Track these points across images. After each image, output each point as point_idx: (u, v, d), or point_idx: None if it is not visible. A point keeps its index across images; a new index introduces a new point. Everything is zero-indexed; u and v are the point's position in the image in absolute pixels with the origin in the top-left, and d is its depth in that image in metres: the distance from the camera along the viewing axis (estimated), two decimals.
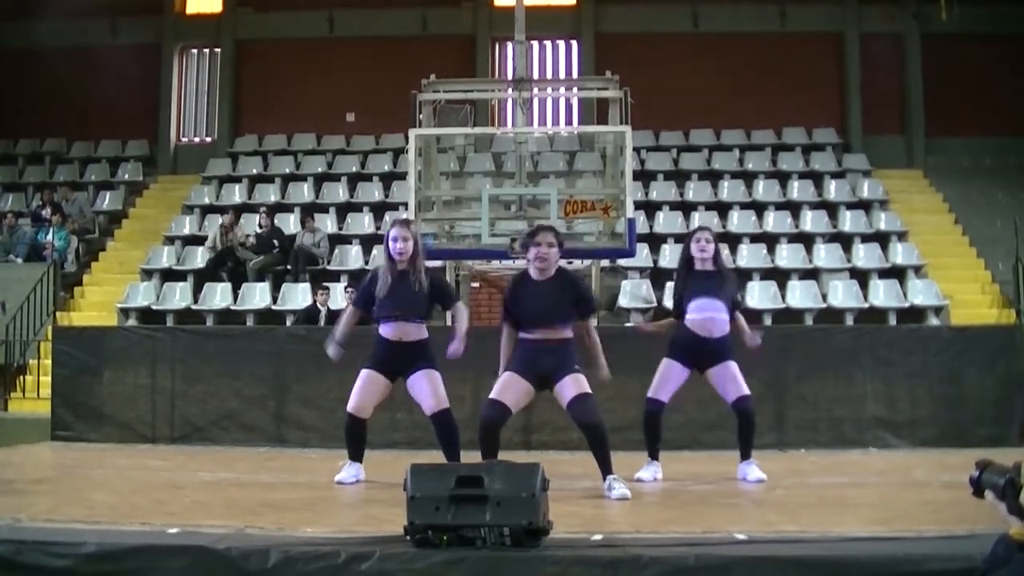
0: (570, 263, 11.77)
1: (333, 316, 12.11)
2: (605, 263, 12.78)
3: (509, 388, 5.48)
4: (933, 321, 12.66)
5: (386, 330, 5.95)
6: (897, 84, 17.51)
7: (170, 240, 15.24)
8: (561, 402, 5.49)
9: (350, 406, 6.03)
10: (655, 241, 14.42)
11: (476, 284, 13.04)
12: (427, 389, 5.90)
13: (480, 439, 5.45)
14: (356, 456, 6.10)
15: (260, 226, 14.51)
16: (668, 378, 6.23)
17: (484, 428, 5.43)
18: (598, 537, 4.06)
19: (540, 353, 5.47)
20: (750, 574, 3.70)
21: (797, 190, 15.84)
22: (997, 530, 2.77)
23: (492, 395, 5.49)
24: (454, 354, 5.89)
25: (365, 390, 5.98)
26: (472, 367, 6.78)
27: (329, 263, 14.32)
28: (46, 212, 15.52)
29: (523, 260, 5.93)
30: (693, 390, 6.57)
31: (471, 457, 5.47)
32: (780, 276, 13.75)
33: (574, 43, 18.17)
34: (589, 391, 5.44)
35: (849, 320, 12.60)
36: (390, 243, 6.00)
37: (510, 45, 13.80)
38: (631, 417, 7.41)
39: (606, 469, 5.43)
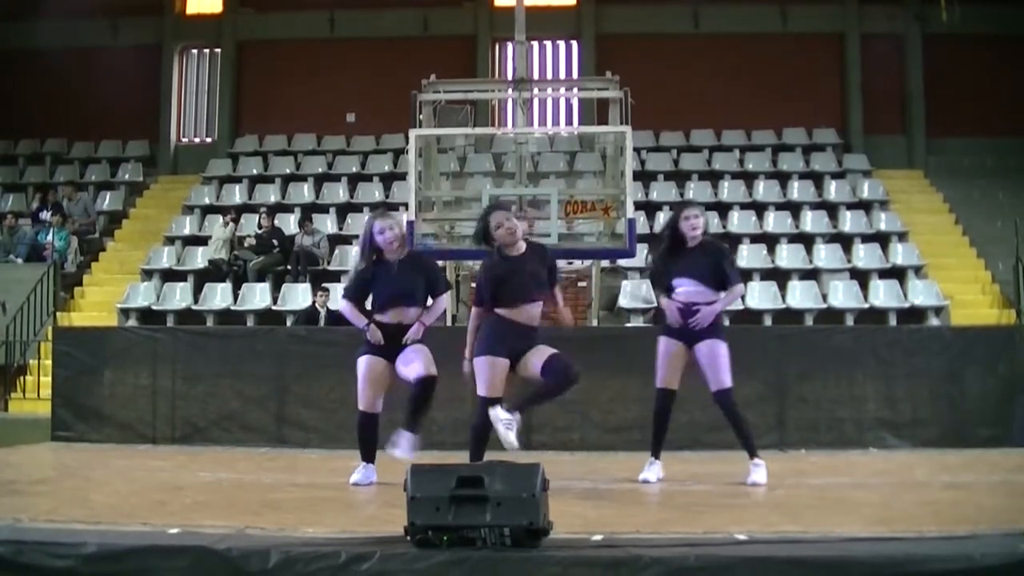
0: (570, 263, 11.80)
1: (333, 317, 12.11)
2: (605, 263, 12.79)
3: (497, 377, 5.56)
4: (933, 321, 12.66)
5: (384, 316, 5.92)
6: (898, 84, 17.51)
7: (170, 240, 15.24)
8: (532, 370, 5.57)
9: (361, 404, 5.96)
10: (655, 242, 14.36)
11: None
12: (418, 356, 5.79)
13: (477, 438, 5.53)
14: (369, 457, 6.05)
15: (260, 226, 14.51)
16: (670, 359, 6.07)
17: (486, 426, 5.49)
18: (598, 537, 4.06)
19: (516, 336, 5.57)
20: (751, 574, 3.69)
21: (797, 190, 15.84)
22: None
23: (486, 393, 5.54)
24: (411, 337, 5.83)
25: (370, 381, 5.93)
26: None
27: (329, 264, 14.32)
28: (45, 214, 15.52)
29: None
30: (696, 391, 6.56)
31: (462, 458, 5.47)
32: (780, 276, 13.74)
33: (574, 43, 18.17)
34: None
35: (849, 320, 12.59)
36: (377, 237, 5.85)
37: (510, 45, 13.81)
38: (631, 418, 7.42)
39: (527, 403, 5.62)
